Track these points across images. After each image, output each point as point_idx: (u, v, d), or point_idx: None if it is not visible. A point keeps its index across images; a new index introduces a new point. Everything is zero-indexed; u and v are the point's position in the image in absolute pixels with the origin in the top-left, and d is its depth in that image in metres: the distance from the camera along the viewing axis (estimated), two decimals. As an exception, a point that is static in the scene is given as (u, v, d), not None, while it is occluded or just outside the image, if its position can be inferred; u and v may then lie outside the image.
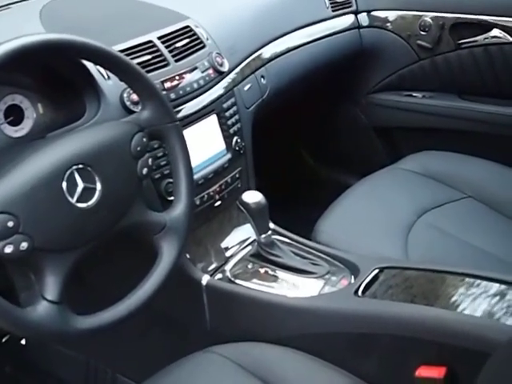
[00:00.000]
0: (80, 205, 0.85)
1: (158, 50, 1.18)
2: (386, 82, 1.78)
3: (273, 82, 1.47)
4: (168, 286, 0.96)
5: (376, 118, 1.82)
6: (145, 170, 0.94)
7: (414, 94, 1.76)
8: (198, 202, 1.19)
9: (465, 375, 0.93)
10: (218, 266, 1.23)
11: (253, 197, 1.18)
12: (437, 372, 0.97)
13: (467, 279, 1.06)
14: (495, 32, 1.61)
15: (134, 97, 1.06)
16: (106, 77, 1.06)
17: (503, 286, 1.02)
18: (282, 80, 1.52)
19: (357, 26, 1.73)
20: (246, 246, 1.26)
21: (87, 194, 0.86)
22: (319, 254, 1.23)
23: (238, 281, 1.19)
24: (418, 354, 0.99)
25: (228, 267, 1.22)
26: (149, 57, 1.15)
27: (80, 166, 0.86)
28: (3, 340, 1.51)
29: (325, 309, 1.09)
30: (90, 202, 0.86)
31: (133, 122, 0.95)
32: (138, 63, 1.07)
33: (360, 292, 1.09)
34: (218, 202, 1.26)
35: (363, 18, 1.74)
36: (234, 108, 1.30)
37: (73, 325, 0.83)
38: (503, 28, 1.58)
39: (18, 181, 0.81)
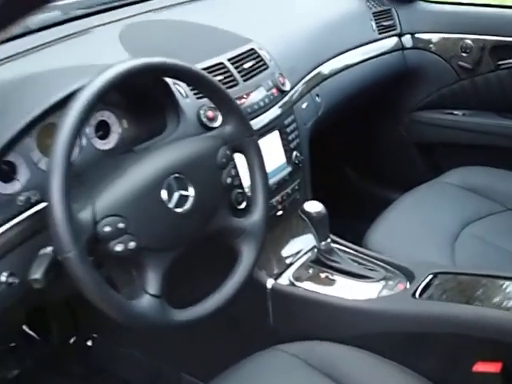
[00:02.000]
0: (177, 210, 0.95)
1: (228, 71, 1.28)
2: (427, 101, 1.87)
3: (326, 101, 1.57)
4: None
5: (418, 134, 1.91)
6: (229, 180, 1.04)
7: (455, 112, 1.84)
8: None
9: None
10: (280, 271, 1.32)
11: (314, 207, 1.28)
12: (493, 367, 1.05)
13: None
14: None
15: (210, 113, 1.17)
16: (185, 95, 1.17)
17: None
18: (334, 98, 1.62)
19: (401, 47, 1.83)
20: (306, 252, 1.35)
21: (182, 200, 0.96)
22: (375, 261, 1.32)
23: (300, 284, 1.28)
24: (474, 351, 1.08)
25: (290, 272, 1.31)
26: (221, 77, 1.25)
27: (176, 175, 0.97)
28: (71, 341, 1.61)
29: (385, 310, 1.17)
30: (185, 208, 0.97)
31: (218, 137, 1.05)
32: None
33: (417, 295, 1.18)
34: (280, 212, 1.36)
35: (407, 40, 1.83)
36: (294, 125, 1.41)
37: (172, 317, 0.93)
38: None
39: (125, 188, 0.91)
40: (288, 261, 1.34)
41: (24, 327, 1.56)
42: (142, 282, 0.93)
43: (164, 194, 0.95)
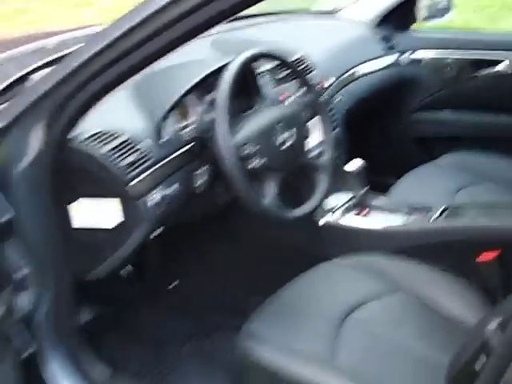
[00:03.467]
0: (285, 145, 1.46)
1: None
2: (421, 106, 2.42)
3: (348, 100, 2.10)
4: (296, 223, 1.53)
5: (413, 132, 2.46)
6: (307, 131, 1.57)
7: (442, 112, 2.40)
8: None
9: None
10: (329, 208, 1.81)
11: (355, 164, 1.79)
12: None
13: None
14: (501, 66, 2.27)
15: (282, 96, 1.68)
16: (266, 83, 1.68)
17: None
18: (352, 99, 2.15)
19: (399, 63, 2.38)
20: (349, 200, 1.85)
21: (288, 138, 1.47)
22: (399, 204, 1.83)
23: (346, 220, 1.78)
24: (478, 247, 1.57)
25: (339, 211, 1.81)
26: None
27: (280, 124, 1.48)
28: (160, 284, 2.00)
29: (417, 228, 1.68)
30: (288, 143, 1.48)
31: (301, 103, 1.57)
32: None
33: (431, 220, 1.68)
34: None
35: (404, 58, 2.39)
36: (331, 112, 1.93)
37: (289, 212, 1.43)
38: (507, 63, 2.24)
39: (253, 128, 1.43)
40: (336, 203, 1.83)
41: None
42: (261, 191, 1.43)
43: (275, 135, 1.46)
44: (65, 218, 1.34)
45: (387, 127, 2.46)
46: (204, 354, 1.81)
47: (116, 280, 1.60)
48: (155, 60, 1.08)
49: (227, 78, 1.37)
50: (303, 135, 1.54)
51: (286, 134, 1.48)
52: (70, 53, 1.17)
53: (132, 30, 1.03)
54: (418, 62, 2.39)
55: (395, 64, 2.37)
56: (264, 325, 1.39)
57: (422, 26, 2.44)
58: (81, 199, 1.35)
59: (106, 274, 1.44)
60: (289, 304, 1.47)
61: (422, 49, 2.38)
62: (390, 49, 2.37)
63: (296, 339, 1.33)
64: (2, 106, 1.31)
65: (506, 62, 2.25)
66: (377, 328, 1.36)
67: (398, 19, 2.39)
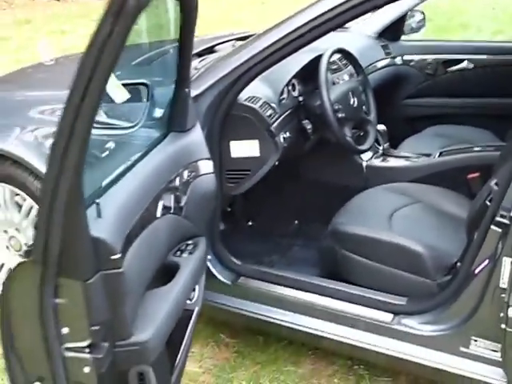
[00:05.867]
0: (354, 105, 2.39)
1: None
2: (410, 94, 3.39)
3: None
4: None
5: (405, 113, 3.42)
6: None
7: (424, 98, 3.37)
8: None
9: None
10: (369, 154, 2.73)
11: (381, 126, 2.73)
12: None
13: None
14: (464, 64, 3.27)
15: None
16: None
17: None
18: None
19: (394, 63, 3.35)
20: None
21: (354, 101, 2.40)
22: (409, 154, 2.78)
23: (378, 162, 2.71)
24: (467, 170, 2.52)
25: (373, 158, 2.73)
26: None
27: (350, 93, 2.40)
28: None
29: (424, 164, 2.62)
30: (355, 104, 2.40)
31: (357, 81, 2.50)
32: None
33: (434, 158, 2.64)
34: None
35: (398, 60, 3.36)
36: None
37: (358, 146, 2.35)
38: (469, 60, 3.23)
39: (337, 94, 2.34)
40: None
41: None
42: (345, 132, 2.34)
43: (349, 99, 2.38)
44: (227, 150, 2.18)
45: (383, 110, 3.41)
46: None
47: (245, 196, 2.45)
48: (299, 49, 1.97)
49: (323, 62, 2.28)
50: (361, 100, 2.45)
51: (353, 99, 2.39)
52: (252, 39, 2.04)
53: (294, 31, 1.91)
54: (407, 62, 3.36)
55: (391, 64, 3.34)
56: (345, 219, 2.28)
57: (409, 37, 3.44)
58: (232, 141, 2.20)
59: (244, 190, 2.29)
60: (356, 208, 2.38)
61: (409, 54, 3.36)
62: (388, 54, 3.34)
63: (367, 223, 2.23)
64: (195, 76, 2.13)
65: (465, 62, 3.27)
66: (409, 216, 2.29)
67: (391, 33, 3.36)
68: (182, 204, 1.70)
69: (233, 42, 2.81)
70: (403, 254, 2.10)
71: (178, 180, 1.71)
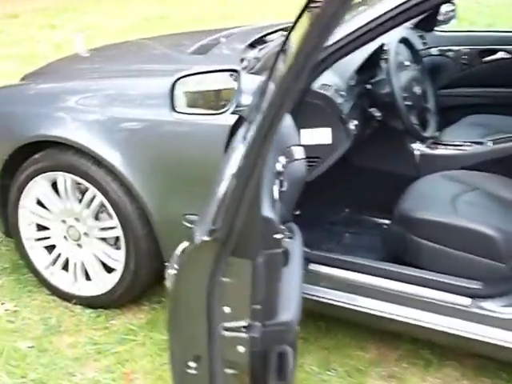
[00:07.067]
0: (417, 93, 2.42)
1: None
2: (445, 84, 3.44)
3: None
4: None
5: (441, 103, 3.46)
6: None
7: (460, 88, 3.42)
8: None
9: None
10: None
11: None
12: None
13: None
14: (500, 54, 3.32)
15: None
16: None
17: None
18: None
19: (429, 54, 3.39)
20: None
21: (418, 90, 2.43)
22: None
23: (430, 150, 2.75)
24: None
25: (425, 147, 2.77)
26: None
27: (414, 81, 2.43)
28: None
29: (477, 151, 2.66)
30: (419, 92, 2.43)
31: (419, 70, 2.53)
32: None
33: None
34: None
35: (433, 51, 3.40)
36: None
37: (422, 132, 2.38)
38: (504, 51, 3.29)
39: (404, 82, 2.37)
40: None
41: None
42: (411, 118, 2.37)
43: (413, 87, 2.41)
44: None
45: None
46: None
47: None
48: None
49: (392, 51, 2.30)
50: (423, 88, 2.49)
51: (416, 87, 2.42)
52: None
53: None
54: (443, 53, 3.40)
55: (427, 55, 3.38)
56: (411, 205, 2.32)
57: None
58: (303, 129, 2.22)
59: (313, 178, 2.31)
60: (420, 195, 2.41)
61: (444, 45, 3.41)
62: (424, 44, 3.37)
63: (434, 209, 2.26)
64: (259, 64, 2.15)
65: (502, 52, 3.32)
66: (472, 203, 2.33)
67: (426, 23, 3.40)
68: (284, 189, 1.71)
69: (280, 32, 2.82)
70: (475, 238, 2.13)
71: (278, 165, 1.72)
